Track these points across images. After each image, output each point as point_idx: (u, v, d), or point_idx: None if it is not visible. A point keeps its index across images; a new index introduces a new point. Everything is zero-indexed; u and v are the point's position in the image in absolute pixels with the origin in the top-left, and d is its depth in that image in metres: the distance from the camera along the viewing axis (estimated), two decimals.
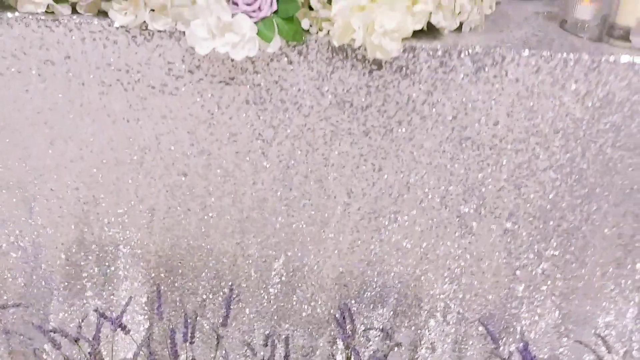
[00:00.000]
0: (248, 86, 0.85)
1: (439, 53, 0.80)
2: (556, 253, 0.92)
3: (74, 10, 0.83)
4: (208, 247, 0.96)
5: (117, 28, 0.82)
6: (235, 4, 0.78)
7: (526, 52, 0.80)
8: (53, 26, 0.83)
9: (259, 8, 0.78)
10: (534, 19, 0.97)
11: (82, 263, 0.99)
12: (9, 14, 0.83)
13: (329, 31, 0.80)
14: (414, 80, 0.82)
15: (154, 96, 0.86)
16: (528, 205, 0.88)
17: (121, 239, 0.97)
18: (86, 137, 0.89)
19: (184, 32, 0.81)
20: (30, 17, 0.82)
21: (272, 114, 0.86)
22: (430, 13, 0.80)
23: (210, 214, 0.94)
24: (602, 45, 0.84)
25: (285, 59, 0.83)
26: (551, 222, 0.89)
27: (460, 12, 0.82)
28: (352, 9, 0.77)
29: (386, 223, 0.92)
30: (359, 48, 0.80)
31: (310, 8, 0.81)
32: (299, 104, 0.85)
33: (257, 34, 0.79)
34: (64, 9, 0.82)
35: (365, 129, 0.86)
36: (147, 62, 0.84)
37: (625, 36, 0.85)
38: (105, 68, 0.85)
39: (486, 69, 0.81)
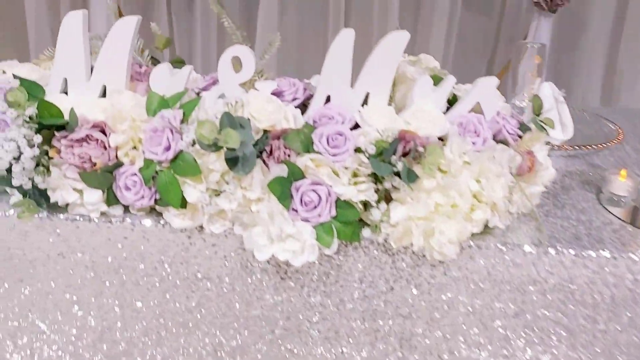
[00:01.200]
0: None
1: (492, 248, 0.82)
2: None
3: (126, 209, 0.83)
4: None
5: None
6: (295, 210, 0.79)
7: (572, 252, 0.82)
8: (104, 227, 0.82)
9: (319, 215, 0.79)
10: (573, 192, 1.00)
11: None
12: (61, 216, 0.82)
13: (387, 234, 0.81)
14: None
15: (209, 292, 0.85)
16: None
17: None
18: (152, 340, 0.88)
19: None
20: (81, 218, 0.82)
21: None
22: None
23: None
24: None
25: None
26: None
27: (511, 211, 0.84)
28: (412, 217, 0.78)
29: None
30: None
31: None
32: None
33: (316, 239, 0.79)
34: (116, 210, 0.82)
35: None
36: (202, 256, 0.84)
37: None
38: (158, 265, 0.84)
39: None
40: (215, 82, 0.90)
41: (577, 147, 1.17)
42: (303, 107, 0.90)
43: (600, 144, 1.20)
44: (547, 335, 0.85)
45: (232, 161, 0.74)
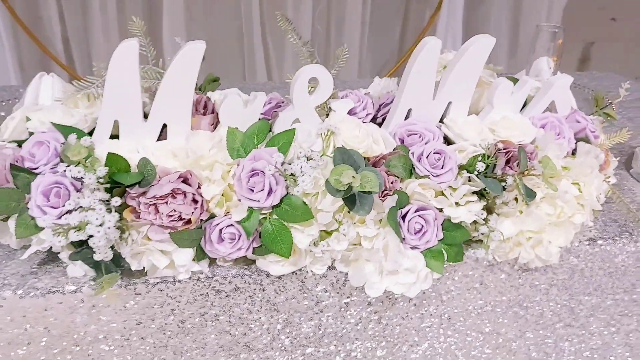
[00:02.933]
0: None
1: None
2: None
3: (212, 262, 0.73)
4: None
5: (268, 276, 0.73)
6: (404, 238, 0.74)
7: None
8: (189, 286, 0.72)
9: (427, 241, 0.74)
10: None
11: None
12: (140, 281, 0.71)
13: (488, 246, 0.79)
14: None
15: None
16: None
17: None
18: None
19: None
20: (161, 282, 0.71)
21: None
22: None
23: None
24: None
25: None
26: None
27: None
28: (522, 232, 0.76)
29: None
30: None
31: None
32: None
33: (427, 265, 0.75)
34: (203, 265, 0.72)
35: None
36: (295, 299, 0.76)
37: None
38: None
39: None
40: (278, 104, 0.81)
41: None
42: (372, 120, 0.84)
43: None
44: None
45: (350, 200, 0.67)
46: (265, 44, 2.48)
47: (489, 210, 0.78)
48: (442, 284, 0.81)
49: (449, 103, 0.80)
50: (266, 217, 0.68)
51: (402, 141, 0.78)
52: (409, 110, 0.80)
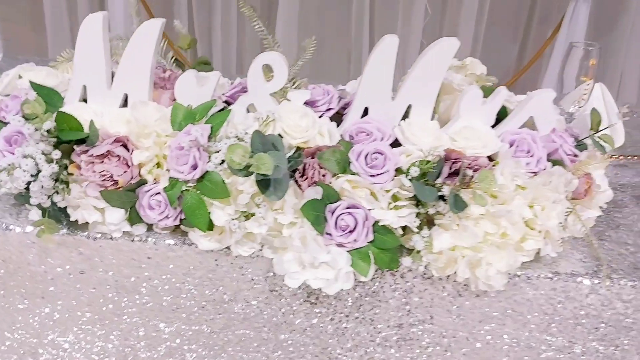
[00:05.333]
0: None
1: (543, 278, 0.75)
2: None
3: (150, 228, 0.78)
4: None
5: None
6: (329, 234, 0.73)
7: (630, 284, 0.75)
8: (127, 246, 0.77)
9: (355, 240, 0.73)
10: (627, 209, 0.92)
11: None
12: (83, 233, 0.77)
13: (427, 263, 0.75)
14: None
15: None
16: None
17: None
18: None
19: None
20: (103, 236, 0.77)
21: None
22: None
23: None
24: None
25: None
26: None
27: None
28: (457, 247, 0.71)
29: None
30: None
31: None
32: None
33: (352, 265, 0.73)
34: (139, 229, 0.77)
35: None
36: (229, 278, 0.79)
37: None
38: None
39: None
40: (244, 89, 0.84)
41: (628, 157, 1.09)
42: (338, 116, 0.83)
43: None
44: None
45: (264, 184, 0.68)
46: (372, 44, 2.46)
47: (431, 220, 0.74)
48: (378, 289, 0.78)
49: (410, 106, 0.78)
50: (188, 190, 0.72)
51: (352, 138, 0.77)
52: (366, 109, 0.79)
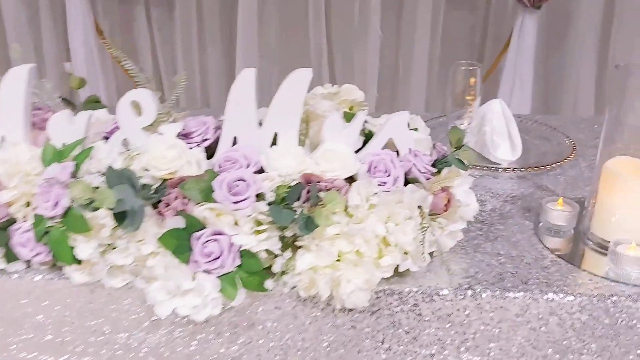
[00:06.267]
0: None
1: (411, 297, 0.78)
2: None
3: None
4: None
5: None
6: (196, 261, 0.75)
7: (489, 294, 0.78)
8: (6, 283, 0.79)
9: (221, 266, 0.75)
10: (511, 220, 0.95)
11: None
12: None
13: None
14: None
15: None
16: None
17: None
18: None
19: None
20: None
21: None
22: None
23: None
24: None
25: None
26: None
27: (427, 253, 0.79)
28: (316, 267, 0.74)
29: None
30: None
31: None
32: None
33: (221, 290, 0.75)
34: (17, 266, 0.79)
35: None
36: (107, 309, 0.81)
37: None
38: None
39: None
40: None
41: (522, 169, 1.12)
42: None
43: (549, 165, 1.14)
44: None
45: (120, 216, 0.71)
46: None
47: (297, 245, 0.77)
48: (253, 313, 0.80)
49: (276, 133, 0.81)
50: (53, 226, 0.74)
51: (220, 167, 0.80)
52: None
